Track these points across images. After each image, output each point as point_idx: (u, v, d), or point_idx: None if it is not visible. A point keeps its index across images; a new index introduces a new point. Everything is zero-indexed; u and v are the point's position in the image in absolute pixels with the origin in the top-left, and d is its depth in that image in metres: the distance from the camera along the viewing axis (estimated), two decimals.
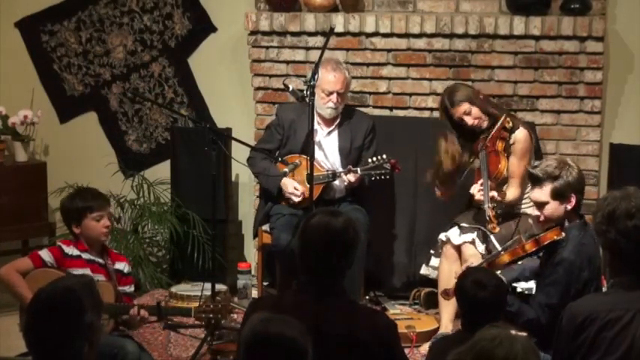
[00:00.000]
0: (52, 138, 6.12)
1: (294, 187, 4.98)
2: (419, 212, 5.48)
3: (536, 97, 5.31)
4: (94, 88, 6.05)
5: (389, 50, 5.43)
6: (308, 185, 4.82)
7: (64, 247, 4.23)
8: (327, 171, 5.02)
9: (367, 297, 5.37)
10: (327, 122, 5.11)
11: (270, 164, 5.09)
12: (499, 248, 4.56)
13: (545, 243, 3.86)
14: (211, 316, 4.32)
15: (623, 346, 3.00)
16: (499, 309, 3.35)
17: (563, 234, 3.82)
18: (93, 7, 5.95)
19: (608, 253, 3.13)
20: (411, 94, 5.48)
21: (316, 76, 4.64)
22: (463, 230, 4.73)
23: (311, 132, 4.68)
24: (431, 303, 5.20)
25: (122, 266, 4.39)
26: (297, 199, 4.98)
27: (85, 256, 4.24)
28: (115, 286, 4.24)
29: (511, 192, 4.70)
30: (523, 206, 4.74)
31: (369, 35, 5.42)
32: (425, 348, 4.59)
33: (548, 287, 3.77)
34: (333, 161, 5.11)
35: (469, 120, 4.75)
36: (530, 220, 4.47)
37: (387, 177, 4.98)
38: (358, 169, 4.95)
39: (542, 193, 3.86)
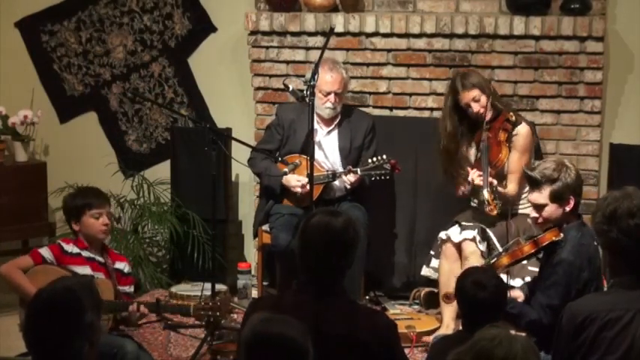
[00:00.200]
0: (52, 138, 6.12)
1: (296, 179, 4.98)
2: (419, 212, 5.48)
3: (536, 97, 5.31)
4: (94, 88, 6.05)
5: (389, 50, 5.43)
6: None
7: (64, 245, 4.31)
8: (327, 171, 5.02)
9: (367, 297, 5.37)
10: (327, 122, 5.11)
11: (271, 164, 5.10)
12: (498, 246, 4.58)
13: (544, 244, 3.86)
14: (210, 313, 4.34)
15: (623, 346, 3.00)
16: (499, 309, 3.35)
17: (562, 235, 3.82)
18: (93, 7, 5.95)
19: (608, 253, 3.13)
20: (411, 94, 5.48)
21: (316, 76, 4.64)
22: (463, 228, 4.73)
23: (311, 132, 4.68)
24: (431, 303, 5.20)
25: (122, 266, 4.42)
26: (301, 191, 4.96)
27: (85, 253, 4.28)
28: (114, 284, 4.25)
29: (510, 187, 4.70)
30: (521, 206, 4.74)
31: (369, 35, 5.42)
32: (429, 339, 4.58)
33: (548, 288, 3.77)
34: (333, 161, 5.12)
35: (475, 107, 4.74)
36: (529, 220, 4.47)
37: (387, 177, 4.98)
38: (358, 169, 4.95)
39: (541, 196, 3.86)
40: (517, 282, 4.53)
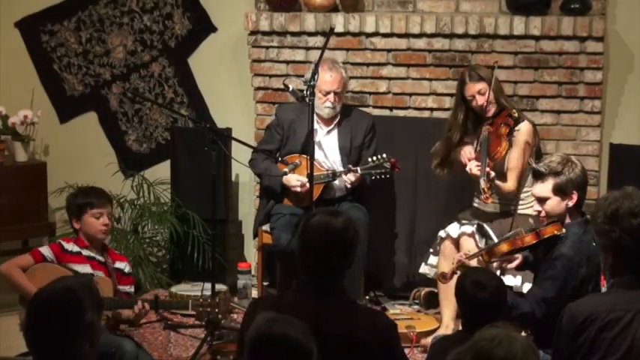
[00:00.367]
0: (52, 138, 6.13)
1: (296, 179, 4.98)
2: (419, 212, 5.48)
3: (536, 97, 5.31)
4: (94, 88, 6.05)
5: (389, 50, 5.43)
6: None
7: (64, 243, 4.35)
8: (327, 171, 5.02)
9: (367, 297, 5.37)
10: (327, 121, 5.12)
11: (271, 164, 5.10)
12: (496, 241, 4.58)
13: (546, 236, 3.86)
14: (209, 309, 4.34)
15: (623, 347, 2.99)
16: (499, 309, 3.35)
17: (564, 230, 3.83)
18: (93, 7, 5.96)
19: (609, 254, 3.13)
20: (411, 94, 5.48)
21: (316, 76, 4.64)
22: (462, 224, 4.73)
23: (311, 132, 4.68)
24: (431, 303, 5.20)
25: (122, 266, 4.44)
26: (301, 190, 4.96)
27: (85, 252, 4.31)
28: (114, 282, 4.27)
29: (509, 183, 4.71)
30: (521, 207, 4.74)
31: (369, 35, 5.42)
32: (427, 341, 4.59)
33: (545, 281, 3.78)
34: (333, 160, 5.12)
35: (480, 100, 4.76)
36: (531, 220, 4.48)
37: (388, 176, 4.98)
38: (358, 168, 4.95)
39: (544, 188, 3.86)
40: (518, 279, 4.54)
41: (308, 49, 5.51)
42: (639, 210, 3.05)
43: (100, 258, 4.34)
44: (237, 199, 5.89)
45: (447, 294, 4.49)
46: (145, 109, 6.01)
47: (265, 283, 5.48)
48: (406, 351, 3.58)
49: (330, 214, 3.13)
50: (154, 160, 6.01)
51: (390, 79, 5.48)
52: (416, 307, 5.32)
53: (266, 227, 5.17)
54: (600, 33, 5.13)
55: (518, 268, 4.19)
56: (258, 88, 5.63)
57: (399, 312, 5.18)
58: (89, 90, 6.06)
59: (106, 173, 5.82)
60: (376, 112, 5.48)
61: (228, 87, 5.85)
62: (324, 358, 2.53)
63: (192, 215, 5.54)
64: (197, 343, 4.63)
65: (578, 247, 3.77)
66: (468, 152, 4.78)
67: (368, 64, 5.48)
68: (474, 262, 4.02)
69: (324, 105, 5.00)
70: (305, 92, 4.65)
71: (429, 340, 4.53)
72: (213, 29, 5.84)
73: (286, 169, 4.94)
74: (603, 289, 3.80)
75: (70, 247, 4.31)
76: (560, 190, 3.83)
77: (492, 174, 4.50)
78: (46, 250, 4.27)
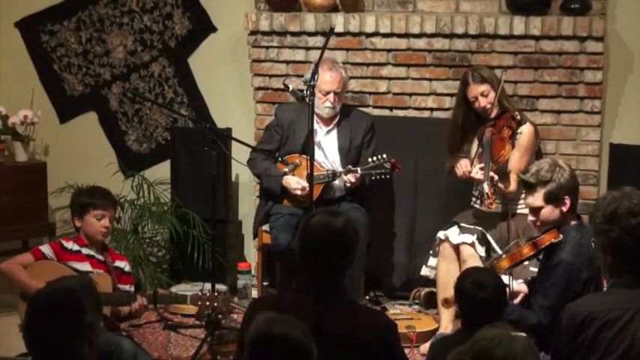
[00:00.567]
0: (52, 138, 6.12)
1: (296, 182, 4.98)
2: (419, 212, 5.48)
3: (536, 97, 5.31)
4: (94, 88, 6.05)
5: (389, 50, 5.43)
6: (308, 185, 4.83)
7: (64, 242, 4.40)
8: (327, 171, 5.02)
9: (367, 297, 5.37)
10: (326, 121, 5.12)
11: (270, 165, 5.10)
12: (498, 249, 4.58)
13: (543, 246, 3.86)
14: (208, 303, 4.35)
15: (622, 346, 2.99)
16: (499, 309, 3.35)
17: (561, 236, 3.82)
18: (93, 7, 5.95)
19: (608, 253, 3.13)
20: (411, 94, 5.48)
21: (316, 76, 4.64)
22: (463, 230, 4.72)
23: (311, 132, 4.68)
24: (431, 303, 5.20)
25: (122, 265, 4.45)
26: (300, 193, 4.97)
27: (85, 251, 4.33)
28: (113, 280, 4.28)
29: (511, 186, 4.70)
30: (520, 206, 4.74)
31: (369, 35, 5.42)
32: (425, 347, 4.59)
33: (547, 289, 3.78)
34: (333, 160, 5.12)
35: (482, 101, 4.76)
36: (529, 221, 4.48)
37: (388, 176, 4.98)
38: (358, 168, 4.95)
39: (536, 198, 3.86)
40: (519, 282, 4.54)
41: (308, 49, 5.51)
42: (638, 209, 3.05)
43: (100, 257, 4.37)
44: (237, 199, 5.89)
45: (446, 294, 4.48)
46: (145, 109, 6.01)
47: (265, 283, 5.48)
48: (406, 351, 3.58)
49: (330, 214, 3.13)
50: (154, 160, 6.00)
51: (390, 79, 5.47)
52: (416, 307, 5.32)
53: (266, 227, 5.17)
54: (600, 33, 5.13)
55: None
56: (258, 88, 5.63)
57: (399, 312, 5.18)
58: (89, 90, 6.06)
59: (106, 173, 5.81)
60: (376, 112, 5.48)
61: (228, 87, 5.84)
62: (324, 358, 2.53)
63: (192, 215, 5.54)
64: (197, 343, 4.64)
65: (578, 252, 3.77)
66: (464, 165, 4.76)
67: (368, 64, 5.48)
68: None
69: (323, 105, 5.00)
70: (305, 92, 4.65)
71: (426, 346, 4.52)
72: (213, 29, 5.84)
73: (286, 169, 4.94)
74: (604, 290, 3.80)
75: (70, 245, 4.34)
76: (552, 199, 3.83)
77: (496, 178, 4.50)
78: (46, 249, 4.31)
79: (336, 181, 5.04)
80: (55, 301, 2.43)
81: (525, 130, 4.75)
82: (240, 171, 5.69)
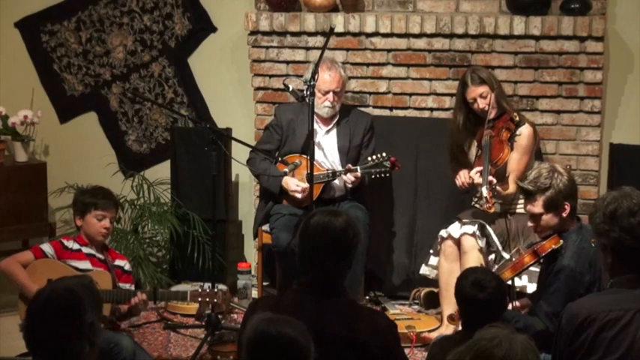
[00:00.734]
0: (52, 138, 6.12)
1: (295, 184, 4.99)
2: (419, 212, 5.48)
3: (536, 97, 5.31)
4: (94, 88, 6.05)
5: (389, 50, 5.43)
6: (308, 184, 4.83)
7: (65, 241, 4.41)
8: (327, 170, 5.02)
9: (367, 297, 5.37)
10: (326, 121, 5.12)
11: (270, 165, 5.10)
12: (498, 243, 4.59)
13: (544, 254, 3.86)
14: (207, 299, 4.35)
15: (623, 346, 2.99)
16: (499, 309, 3.35)
17: (562, 241, 3.82)
18: (93, 7, 5.95)
19: (608, 253, 3.13)
20: (411, 94, 5.48)
21: (316, 76, 4.64)
22: (464, 223, 4.73)
23: (311, 132, 4.68)
24: (431, 303, 5.21)
25: (122, 264, 4.46)
26: (300, 196, 4.97)
27: (85, 250, 4.35)
28: (114, 278, 4.28)
29: (510, 187, 4.71)
30: (520, 206, 4.74)
31: (369, 35, 5.42)
32: (431, 337, 4.59)
33: (551, 296, 3.78)
34: (333, 160, 5.12)
35: (481, 103, 4.76)
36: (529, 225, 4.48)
37: (387, 175, 4.98)
38: (358, 167, 4.95)
39: (536, 206, 3.86)
40: (524, 280, 4.54)
41: (308, 49, 5.51)
42: (638, 209, 3.05)
43: (100, 255, 4.38)
44: (237, 199, 5.89)
45: (448, 294, 4.49)
46: (145, 109, 6.01)
47: (265, 283, 5.49)
48: (406, 351, 3.58)
49: (330, 214, 3.12)
50: (154, 160, 6.00)
51: (390, 79, 5.47)
52: (416, 307, 5.32)
53: (266, 227, 5.17)
54: (600, 33, 5.13)
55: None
56: (258, 88, 5.63)
57: (399, 312, 5.18)
58: (89, 90, 6.06)
59: (106, 173, 5.81)
60: (376, 112, 5.48)
61: (228, 87, 5.85)
62: (324, 359, 2.53)
63: (193, 215, 5.54)
64: (197, 343, 4.64)
65: (579, 256, 3.77)
66: (462, 177, 4.75)
67: (368, 64, 5.48)
68: None
69: (323, 104, 5.00)
70: (305, 92, 4.65)
71: (432, 336, 4.54)
72: (213, 29, 5.84)
73: (286, 169, 4.94)
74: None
75: (71, 244, 4.35)
76: (552, 206, 3.83)
77: (494, 181, 4.51)
78: (46, 247, 4.33)
79: (336, 181, 5.04)
80: (56, 300, 2.44)
81: (524, 131, 4.75)
82: (240, 171, 5.69)
